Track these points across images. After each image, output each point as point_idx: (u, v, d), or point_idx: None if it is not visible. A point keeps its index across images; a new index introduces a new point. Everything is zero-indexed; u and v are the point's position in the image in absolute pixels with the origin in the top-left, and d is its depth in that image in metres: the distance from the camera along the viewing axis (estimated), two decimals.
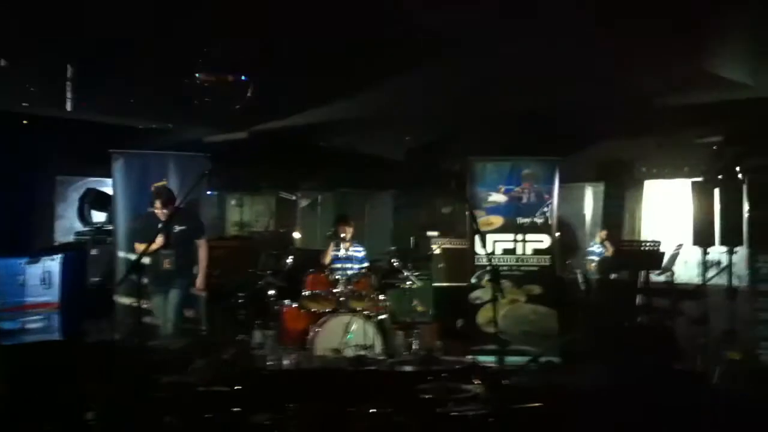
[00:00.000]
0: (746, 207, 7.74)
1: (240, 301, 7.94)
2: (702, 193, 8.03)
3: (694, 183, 8.25)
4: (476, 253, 8.68)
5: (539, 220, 8.74)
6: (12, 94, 7.30)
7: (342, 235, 8.37)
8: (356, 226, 8.73)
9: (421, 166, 10.21)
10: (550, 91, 7.25)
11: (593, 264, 9.33)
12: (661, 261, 8.40)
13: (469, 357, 7.79)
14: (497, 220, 8.77)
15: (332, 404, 5.63)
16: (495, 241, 8.70)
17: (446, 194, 10.85)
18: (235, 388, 5.91)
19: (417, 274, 8.39)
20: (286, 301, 7.94)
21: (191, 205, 7.78)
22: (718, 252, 8.10)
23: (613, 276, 8.94)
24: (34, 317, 7.50)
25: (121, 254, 8.03)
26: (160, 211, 7.19)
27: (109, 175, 8.44)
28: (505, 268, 8.60)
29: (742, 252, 7.89)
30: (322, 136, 9.29)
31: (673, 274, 8.66)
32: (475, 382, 5.96)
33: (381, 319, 7.74)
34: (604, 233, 9.39)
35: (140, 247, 7.34)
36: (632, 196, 9.79)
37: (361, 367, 6.89)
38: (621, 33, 5.72)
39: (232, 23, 5.60)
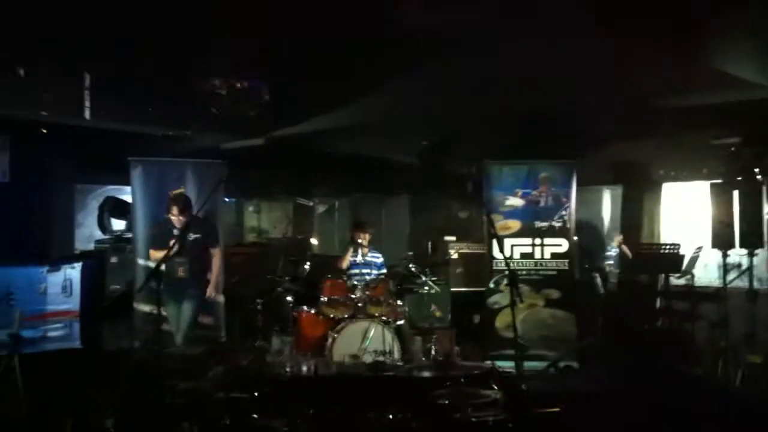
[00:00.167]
0: (766, 208, 7.67)
1: (258, 307, 7.94)
2: (721, 195, 7.96)
3: (712, 185, 8.18)
4: (494, 258, 8.66)
5: (557, 224, 8.70)
6: (31, 102, 7.36)
7: (359, 241, 8.38)
8: (373, 232, 8.73)
9: (437, 170, 10.20)
10: (566, 93, 7.22)
11: (612, 267, 9.28)
12: (681, 264, 8.33)
13: (488, 362, 7.76)
14: (514, 224, 8.75)
15: (351, 410, 5.64)
16: (513, 245, 8.68)
17: (463, 198, 10.83)
18: (254, 394, 5.93)
19: (434, 279, 8.38)
20: (304, 307, 7.95)
21: (207, 213, 7.80)
22: (738, 254, 8.03)
23: (632, 279, 8.89)
24: (56, 325, 7.55)
25: (141, 262, 8.06)
26: (176, 217, 7.24)
27: (127, 183, 8.49)
28: (523, 272, 8.56)
29: (762, 254, 7.83)
30: (338, 141, 9.30)
31: (692, 277, 8.59)
32: (494, 388, 5.93)
33: (399, 325, 7.74)
34: (620, 237, 9.34)
35: (155, 253, 7.43)
36: (651, 198, 9.72)
37: (380, 372, 6.89)
38: (638, 33, 5.69)
39: (247, 29, 5.62)
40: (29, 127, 8.11)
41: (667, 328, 8.60)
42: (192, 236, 7.25)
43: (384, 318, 7.59)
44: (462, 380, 6.24)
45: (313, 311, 7.87)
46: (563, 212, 8.69)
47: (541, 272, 8.67)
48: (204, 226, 7.52)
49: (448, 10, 5.19)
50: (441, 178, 10.48)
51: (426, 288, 8.21)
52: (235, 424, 5.45)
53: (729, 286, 8.07)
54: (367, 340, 7.35)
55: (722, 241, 7.93)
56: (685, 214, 9.42)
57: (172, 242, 6.94)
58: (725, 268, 8.07)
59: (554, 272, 8.66)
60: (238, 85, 6.84)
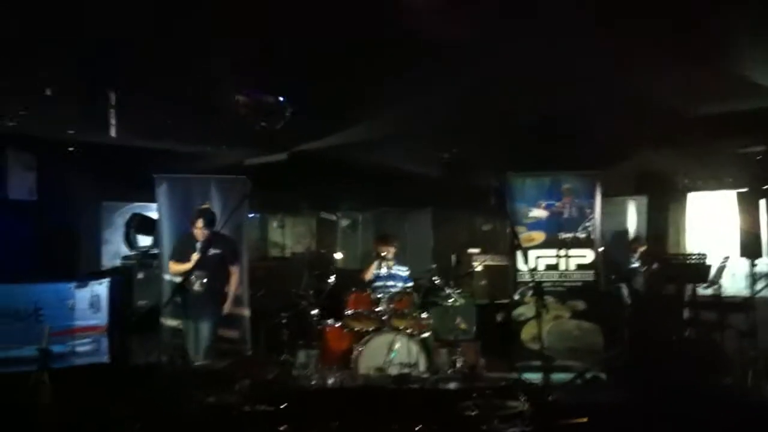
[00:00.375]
0: None
1: (283, 321, 7.96)
2: (747, 203, 7.89)
3: (739, 194, 8.11)
4: (518, 270, 8.64)
5: (582, 235, 8.68)
6: (58, 121, 7.47)
7: (383, 254, 8.38)
8: (397, 245, 8.73)
9: (460, 183, 10.20)
10: (590, 104, 7.20)
11: (638, 278, 9.20)
12: (708, 274, 8.24)
13: (514, 374, 7.72)
14: (539, 236, 8.73)
15: (376, 422, 5.63)
16: (537, 257, 8.65)
17: (486, 211, 10.82)
18: (280, 407, 5.94)
19: (459, 291, 8.36)
20: (329, 321, 7.96)
21: (231, 229, 7.86)
22: (766, 264, 7.94)
23: (659, 290, 8.81)
24: (84, 341, 7.62)
25: (167, 277, 8.14)
26: (200, 230, 7.24)
27: (153, 200, 8.58)
28: (548, 284, 8.52)
29: None
30: (360, 155, 9.32)
31: (720, 287, 8.48)
32: (520, 399, 5.90)
33: (424, 338, 7.72)
34: (642, 247, 9.27)
35: (174, 266, 7.45)
36: (677, 208, 9.65)
37: (405, 385, 6.88)
38: (663, 42, 5.67)
39: (271, 45, 5.67)
40: (56, 145, 8.23)
41: (694, 339, 8.50)
42: (212, 252, 7.25)
43: (409, 331, 7.57)
44: (488, 392, 6.22)
45: (338, 325, 7.87)
46: (588, 223, 8.66)
47: (566, 284, 8.63)
48: (225, 242, 7.52)
49: (471, 21, 5.21)
50: (464, 191, 10.46)
51: (450, 300, 8.17)
52: None
53: (757, 295, 7.98)
54: (393, 352, 7.33)
55: (750, 250, 7.85)
56: (712, 223, 9.33)
57: (194, 256, 6.99)
58: (753, 278, 7.98)
59: (579, 283, 8.61)
60: (263, 100, 6.88)
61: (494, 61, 5.98)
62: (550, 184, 8.78)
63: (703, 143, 8.29)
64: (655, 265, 9.00)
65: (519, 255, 8.41)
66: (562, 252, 8.66)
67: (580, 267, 8.66)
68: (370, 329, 7.66)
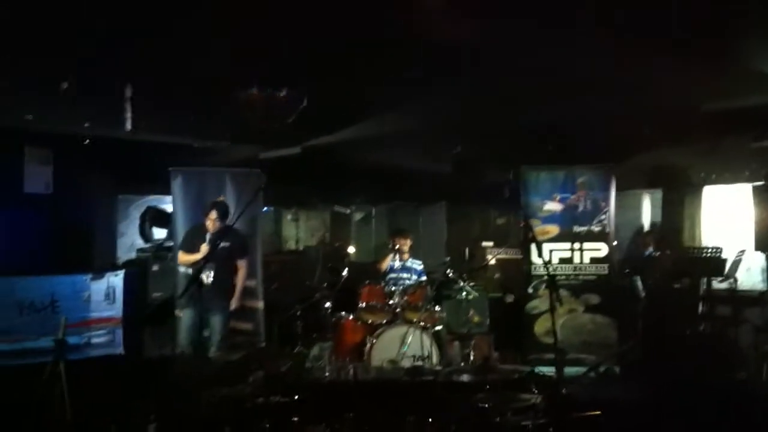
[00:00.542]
0: None
1: (297, 313, 7.99)
2: (763, 197, 7.83)
3: (755, 187, 8.06)
4: (532, 263, 8.62)
5: (596, 229, 8.65)
6: (74, 115, 7.51)
7: (399, 247, 8.41)
8: (413, 238, 8.75)
9: (473, 176, 10.17)
10: (605, 97, 7.17)
11: (653, 272, 9.15)
12: (724, 268, 8.20)
13: (527, 367, 7.72)
14: (553, 229, 8.70)
15: (390, 414, 5.65)
16: (551, 250, 8.62)
17: (500, 204, 10.79)
18: (294, 399, 5.97)
19: (472, 284, 8.36)
20: (343, 313, 7.98)
21: (244, 223, 7.87)
22: None
23: (673, 284, 8.77)
24: (99, 332, 7.67)
25: (182, 269, 8.17)
26: (213, 222, 7.22)
27: (168, 193, 8.62)
28: (562, 277, 8.50)
29: None
30: (374, 149, 9.32)
31: (735, 280, 8.43)
32: (533, 392, 5.89)
33: (437, 330, 7.74)
34: (657, 241, 9.22)
35: (183, 256, 7.46)
36: (692, 202, 9.59)
37: (418, 377, 6.89)
38: (676, 36, 5.64)
39: (283, 37, 5.67)
40: (72, 139, 8.28)
41: (709, 333, 8.46)
42: (222, 245, 7.22)
43: (422, 323, 7.58)
44: (501, 385, 6.22)
45: (351, 317, 7.90)
46: (602, 216, 8.63)
47: (580, 277, 8.61)
48: (234, 236, 7.40)
49: (484, 17, 5.20)
50: (478, 185, 10.44)
51: (464, 293, 8.17)
52: (276, 429, 5.49)
53: None
54: (405, 345, 7.35)
55: (765, 244, 7.79)
56: (727, 217, 9.27)
57: (203, 247, 7.00)
58: None
59: (594, 277, 8.59)
60: (276, 94, 6.89)
61: (509, 58, 5.99)
62: (564, 177, 8.75)
63: (718, 136, 8.23)
64: (669, 259, 8.95)
65: (533, 248, 8.38)
66: (576, 245, 8.62)
67: (594, 261, 8.63)
68: (383, 322, 7.69)
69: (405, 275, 8.33)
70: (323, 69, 6.46)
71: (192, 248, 7.23)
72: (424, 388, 6.63)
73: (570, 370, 7.21)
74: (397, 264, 8.38)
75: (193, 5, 5.03)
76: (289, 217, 11.94)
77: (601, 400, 5.95)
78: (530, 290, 8.60)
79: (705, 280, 8.49)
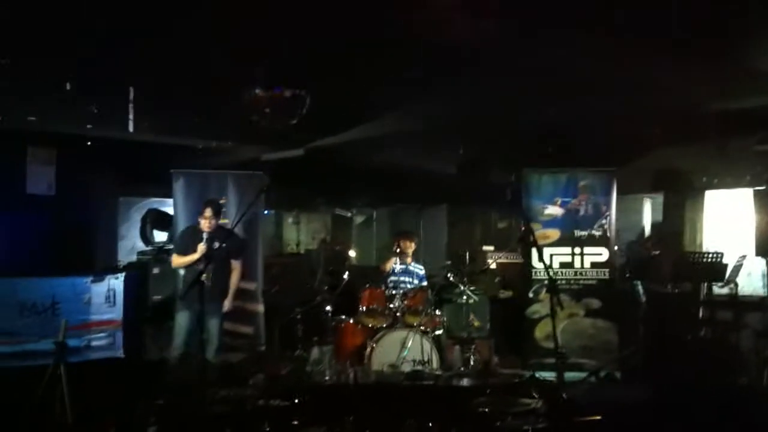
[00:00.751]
0: None
1: (297, 317, 7.99)
2: (765, 202, 7.82)
3: (756, 192, 8.05)
4: (533, 267, 8.62)
5: (597, 233, 8.63)
6: (76, 116, 7.51)
7: (403, 249, 8.41)
8: (417, 242, 8.75)
9: (477, 179, 10.16)
10: (606, 99, 7.17)
11: (654, 276, 9.13)
12: (725, 272, 8.18)
13: (528, 371, 7.71)
14: (554, 233, 8.68)
15: (390, 418, 5.65)
16: (552, 255, 8.61)
17: (501, 208, 10.79)
18: (293, 402, 5.97)
19: (473, 288, 8.36)
20: (343, 317, 7.97)
21: (245, 225, 7.87)
22: None
23: (674, 288, 8.75)
24: (99, 335, 7.67)
25: (182, 272, 8.15)
26: (208, 221, 7.19)
27: (170, 195, 8.61)
28: (562, 281, 8.49)
29: None
30: (375, 151, 9.33)
31: (736, 285, 8.42)
32: (534, 397, 5.89)
33: (437, 335, 7.73)
34: (658, 245, 9.21)
35: (179, 259, 7.34)
36: (693, 206, 9.58)
37: (418, 381, 6.89)
38: (677, 38, 5.64)
39: (286, 39, 5.68)
40: (74, 141, 8.28)
41: (710, 338, 8.45)
42: (216, 245, 7.09)
43: (422, 327, 7.58)
44: (501, 389, 6.22)
45: (351, 321, 7.89)
46: (603, 221, 8.61)
47: (581, 281, 8.60)
48: (228, 237, 7.28)
49: (485, 17, 5.20)
50: (480, 188, 10.44)
51: (464, 297, 8.16)
52: None
53: None
54: (406, 349, 7.34)
55: (766, 249, 7.78)
56: (728, 221, 9.25)
57: (201, 247, 6.96)
58: None
59: (594, 281, 8.58)
60: (279, 95, 6.89)
61: (511, 59, 5.99)
62: (566, 181, 8.72)
63: (720, 140, 8.23)
64: (670, 264, 8.92)
65: (534, 252, 8.38)
66: (577, 250, 8.62)
67: (595, 265, 8.61)
68: (384, 326, 7.68)
69: (406, 279, 8.32)
70: (324, 69, 6.47)
71: (186, 250, 7.18)
72: (424, 393, 6.63)
73: (570, 375, 7.22)
74: (399, 267, 8.36)
75: (195, 4, 5.04)
76: (290, 219, 11.94)
77: (602, 405, 5.95)
78: (531, 294, 8.57)
79: (706, 285, 8.47)
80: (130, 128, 7.60)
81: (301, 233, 11.85)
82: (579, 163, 8.80)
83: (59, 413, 5.70)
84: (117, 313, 7.79)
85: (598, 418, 5.50)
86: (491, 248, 9.92)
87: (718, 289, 8.47)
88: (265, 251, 9.15)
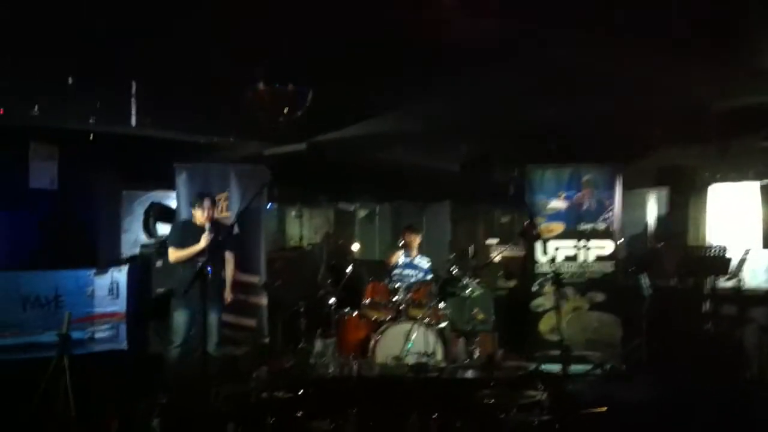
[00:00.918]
0: None
1: (301, 310, 7.97)
2: None
3: (762, 186, 8.02)
4: (537, 261, 8.60)
5: (601, 226, 8.61)
6: (79, 110, 7.49)
7: (409, 243, 8.40)
8: (423, 235, 8.73)
9: (478, 174, 10.14)
10: (611, 96, 7.15)
11: (658, 270, 9.10)
12: (729, 267, 8.17)
13: (532, 365, 7.69)
14: (558, 227, 8.67)
15: (394, 411, 5.64)
16: (556, 249, 8.59)
17: (505, 202, 10.77)
18: (297, 395, 5.96)
19: (477, 282, 8.34)
20: (347, 310, 7.96)
21: (248, 219, 7.86)
22: None
23: (678, 282, 8.73)
24: (102, 327, 7.66)
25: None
26: (208, 211, 7.15)
27: (172, 189, 8.60)
28: (567, 275, 8.46)
29: None
30: (379, 146, 9.31)
31: (740, 280, 8.40)
32: (538, 389, 5.88)
33: (441, 328, 7.72)
34: (662, 239, 9.19)
35: (177, 253, 7.27)
36: (697, 200, 9.54)
37: (422, 374, 6.88)
38: (683, 35, 5.63)
39: (289, 34, 5.66)
40: (77, 135, 8.26)
41: (714, 332, 8.42)
42: (211, 237, 7.05)
43: (426, 320, 7.56)
44: (505, 382, 6.21)
45: (355, 314, 7.88)
46: (607, 214, 8.59)
47: (585, 275, 8.58)
48: (221, 228, 7.33)
49: (488, 15, 5.20)
50: (483, 183, 10.41)
51: (468, 291, 8.14)
52: (279, 425, 5.49)
53: None
54: (410, 342, 7.33)
55: None
56: (733, 215, 9.21)
57: (205, 237, 6.95)
58: None
59: (599, 275, 8.56)
60: (282, 90, 6.88)
61: (514, 55, 5.98)
62: (569, 175, 8.71)
63: (725, 134, 8.20)
64: (674, 257, 8.91)
65: (538, 246, 8.36)
66: (582, 243, 8.59)
67: (599, 258, 8.60)
68: (388, 319, 7.67)
69: (411, 272, 8.31)
70: (327, 66, 6.45)
71: (184, 242, 7.15)
72: (428, 385, 6.62)
73: (575, 368, 7.20)
74: (404, 260, 8.36)
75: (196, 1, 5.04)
76: (293, 214, 11.91)
77: (606, 398, 5.95)
78: (535, 288, 8.56)
79: (710, 279, 8.44)
80: (133, 122, 7.59)
81: (304, 227, 11.82)
82: (582, 157, 8.78)
83: (63, 405, 5.70)
84: (120, 305, 7.77)
85: (603, 410, 5.49)
86: (495, 241, 9.89)
87: (723, 284, 8.44)
88: (268, 245, 9.12)
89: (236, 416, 5.66)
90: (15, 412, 5.73)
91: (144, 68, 6.52)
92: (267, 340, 8.24)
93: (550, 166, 8.80)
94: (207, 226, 7.06)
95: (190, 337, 7.08)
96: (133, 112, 7.47)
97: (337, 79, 6.77)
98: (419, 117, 7.94)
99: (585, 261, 8.61)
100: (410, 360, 7.22)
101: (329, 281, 8.37)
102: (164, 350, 7.34)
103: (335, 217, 12.38)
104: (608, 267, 8.58)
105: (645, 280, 8.98)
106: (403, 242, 8.43)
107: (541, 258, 8.54)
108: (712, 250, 8.31)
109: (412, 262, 8.42)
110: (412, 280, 8.19)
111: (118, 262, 8.43)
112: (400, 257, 8.38)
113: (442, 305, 7.93)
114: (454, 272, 8.33)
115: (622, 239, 8.82)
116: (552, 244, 8.55)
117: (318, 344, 7.64)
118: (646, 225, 10.31)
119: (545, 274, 8.46)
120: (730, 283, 8.42)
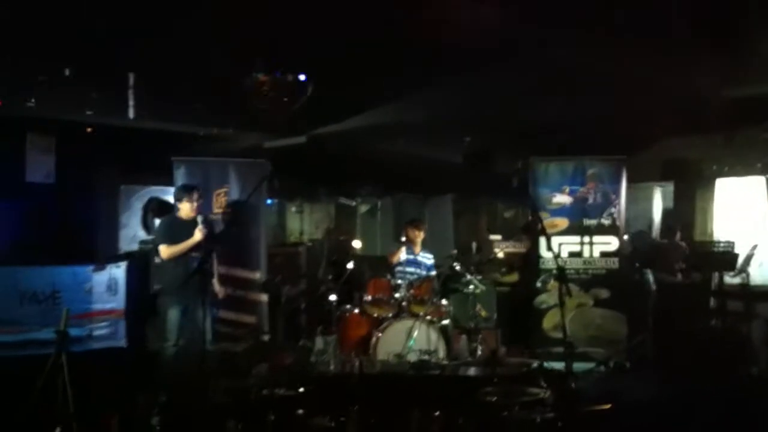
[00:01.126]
0: None
1: (302, 306, 7.92)
2: None
3: None
4: (540, 257, 8.52)
5: (606, 222, 8.52)
6: (76, 103, 7.44)
7: (413, 238, 8.32)
8: (426, 230, 8.65)
9: (481, 168, 10.07)
10: (615, 90, 7.09)
11: (663, 266, 9.04)
12: (736, 262, 8.11)
13: (535, 362, 7.62)
14: (562, 222, 8.58)
15: (395, 408, 5.58)
16: (560, 244, 8.51)
17: (508, 197, 10.70)
18: (298, 392, 5.90)
19: (479, 278, 8.26)
20: (348, 306, 7.89)
21: (248, 214, 7.78)
22: None
23: (684, 278, 8.66)
24: (101, 324, 7.61)
25: (158, 261, 8.03)
26: (191, 204, 7.02)
27: (171, 183, 8.51)
28: (571, 271, 8.36)
29: None
30: (380, 140, 9.26)
31: (747, 275, 8.33)
32: (542, 386, 5.81)
33: (444, 324, 7.64)
34: (668, 234, 9.11)
35: (169, 249, 7.02)
36: (704, 194, 9.48)
37: (424, 371, 6.81)
38: (689, 27, 5.57)
39: (289, 27, 5.61)
40: (74, 128, 8.21)
41: (720, 328, 8.36)
42: (200, 232, 6.86)
43: (428, 317, 7.49)
44: (509, 378, 6.14)
45: (356, 310, 7.80)
46: (612, 209, 8.50)
47: (590, 271, 8.49)
48: (207, 223, 7.14)
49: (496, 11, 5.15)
50: (486, 177, 10.35)
51: (471, 287, 8.05)
52: (280, 422, 5.42)
53: None
54: (412, 339, 7.25)
55: None
56: (740, 210, 9.14)
57: (200, 230, 6.80)
58: None
59: (603, 271, 8.47)
60: (282, 81, 6.81)
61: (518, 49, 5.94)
62: (574, 169, 8.61)
63: (731, 127, 8.14)
64: (680, 253, 8.83)
65: (542, 241, 8.28)
66: (586, 239, 8.51)
67: (604, 254, 8.50)
68: (389, 315, 7.59)
69: (414, 269, 8.21)
70: (329, 58, 6.40)
71: (175, 238, 6.99)
72: (430, 382, 6.56)
73: (579, 365, 7.13)
74: (407, 257, 8.26)
75: None
76: (293, 209, 11.86)
77: (610, 395, 5.88)
78: (539, 284, 8.47)
79: (717, 274, 8.38)
80: (131, 115, 7.54)
81: (304, 223, 11.78)
82: (587, 151, 8.70)
83: (61, 403, 5.63)
84: (119, 302, 7.73)
85: (607, 407, 5.43)
86: (498, 237, 9.82)
87: (730, 279, 8.37)
88: (269, 241, 9.05)
89: (237, 413, 5.60)
90: (12, 409, 5.65)
91: (142, 59, 6.45)
92: (267, 336, 8.17)
93: (554, 159, 8.71)
94: (199, 218, 6.93)
95: (183, 333, 6.95)
96: (131, 104, 7.41)
97: (337, 69, 6.72)
98: (420, 108, 7.88)
99: (590, 257, 8.51)
100: (412, 357, 7.14)
101: (330, 277, 8.30)
102: (160, 348, 7.25)
103: (336, 212, 12.32)
104: (613, 263, 8.47)
105: (650, 276, 8.93)
106: (405, 238, 8.32)
107: (545, 254, 8.44)
108: (719, 246, 8.25)
109: (415, 259, 8.31)
110: (415, 276, 8.09)
111: (116, 258, 8.36)
112: (402, 254, 8.26)
113: (444, 302, 7.85)
114: (456, 268, 8.24)
115: (627, 234, 8.72)
116: (556, 240, 8.44)
117: (319, 341, 7.57)
118: (651, 220, 10.25)
119: (549, 270, 8.36)
120: (737, 279, 8.36)
